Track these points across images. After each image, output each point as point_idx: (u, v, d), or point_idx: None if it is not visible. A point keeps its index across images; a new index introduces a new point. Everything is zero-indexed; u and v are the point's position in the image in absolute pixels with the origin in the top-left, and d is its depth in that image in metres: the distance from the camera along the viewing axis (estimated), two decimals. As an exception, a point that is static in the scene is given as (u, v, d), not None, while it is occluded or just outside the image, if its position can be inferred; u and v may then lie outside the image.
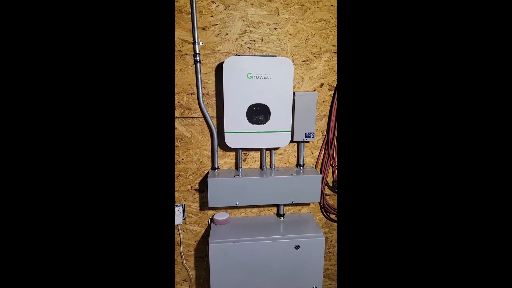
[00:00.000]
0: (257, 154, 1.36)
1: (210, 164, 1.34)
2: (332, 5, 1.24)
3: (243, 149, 1.33)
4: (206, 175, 1.34)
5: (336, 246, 1.55)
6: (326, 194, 1.44)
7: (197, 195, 1.38)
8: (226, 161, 1.35)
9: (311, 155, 1.40)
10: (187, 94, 1.26)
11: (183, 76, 1.23)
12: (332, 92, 1.33)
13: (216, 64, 1.24)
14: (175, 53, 1.21)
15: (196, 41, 1.19)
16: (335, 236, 1.54)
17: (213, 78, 1.25)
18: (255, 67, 1.14)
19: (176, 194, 1.36)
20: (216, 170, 1.32)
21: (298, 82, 1.30)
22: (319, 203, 1.47)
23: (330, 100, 1.34)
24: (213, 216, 1.37)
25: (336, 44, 1.28)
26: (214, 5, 1.18)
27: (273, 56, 1.21)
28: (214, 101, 1.27)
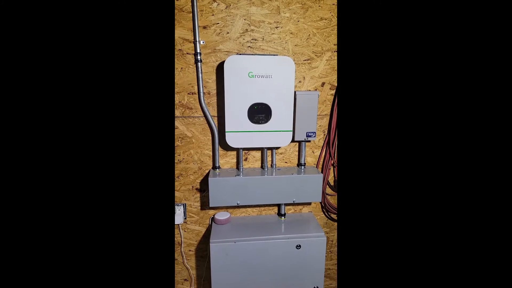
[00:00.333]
0: (258, 154, 1.36)
1: (211, 163, 1.34)
2: (333, 4, 1.23)
3: (244, 149, 1.33)
4: (207, 175, 1.34)
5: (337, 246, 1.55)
6: (327, 194, 1.43)
7: (198, 195, 1.37)
8: (227, 160, 1.35)
9: (312, 155, 1.40)
10: (188, 93, 1.25)
11: (184, 75, 1.23)
12: (333, 92, 1.33)
13: (217, 63, 1.23)
14: (176, 52, 1.20)
15: (197, 40, 1.19)
16: (336, 236, 1.54)
17: (214, 77, 1.25)
18: (256, 66, 1.14)
19: (177, 194, 1.36)
20: (217, 169, 1.32)
21: (300, 81, 1.30)
22: (320, 202, 1.46)
23: (332, 100, 1.34)
24: (214, 215, 1.37)
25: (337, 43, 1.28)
26: (215, 4, 1.18)
27: (274, 55, 1.20)
28: (215, 100, 1.27)
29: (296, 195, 1.28)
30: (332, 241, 1.54)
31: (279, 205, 1.41)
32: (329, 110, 1.35)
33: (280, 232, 1.28)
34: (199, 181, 1.36)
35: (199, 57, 1.20)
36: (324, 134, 1.37)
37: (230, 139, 1.21)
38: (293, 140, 1.27)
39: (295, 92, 1.22)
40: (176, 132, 1.29)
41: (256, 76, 1.15)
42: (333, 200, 1.46)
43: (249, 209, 1.43)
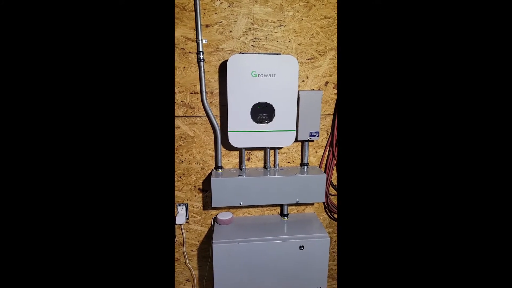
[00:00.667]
0: (261, 154, 1.35)
1: (213, 163, 1.33)
2: (337, 2, 1.22)
3: (246, 149, 1.32)
4: (210, 175, 1.33)
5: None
6: (330, 194, 1.42)
7: (200, 195, 1.37)
8: (229, 160, 1.34)
9: (315, 155, 1.39)
10: (190, 93, 1.24)
11: (186, 74, 1.22)
12: (337, 91, 1.32)
13: (220, 62, 1.22)
14: (179, 51, 1.19)
15: (200, 39, 1.17)
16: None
17: (216, 76, 1.24)
18: (259, 65, 1.13)
19: (179, 194, 1.36)
20: (220, 169, 1.31)
21: (303, 81, 1.29)
22: (323, 203, 1.45)
23: (335, 99, 1.33)
24: (216, 215, 1.36)
25: (342, 42, 1.26)
26: (218, 2, 1.16)
27: (277, 54, 1.19)
28: (218, 99, 1.26)
29: (299, 196, 1.27)
30: (335, 241, 1.54)
31: (281, 205, 1.40)
32: (333, 110, 1.34)
33: (283, 232, 1.27)
34: (201, 181, 1.35)
35: (201, 56, 1.19)
36: (328, 134, 1.36)
37: (233, 139, 1.20)
38: (296, 140, 1.26)
39: (298, 91, 1.21)
40: (178, 132, 1.28)
41: (259, 75, 1.14)
42: (336, 201, 1.45)
43: (251, 209, 1.42)
